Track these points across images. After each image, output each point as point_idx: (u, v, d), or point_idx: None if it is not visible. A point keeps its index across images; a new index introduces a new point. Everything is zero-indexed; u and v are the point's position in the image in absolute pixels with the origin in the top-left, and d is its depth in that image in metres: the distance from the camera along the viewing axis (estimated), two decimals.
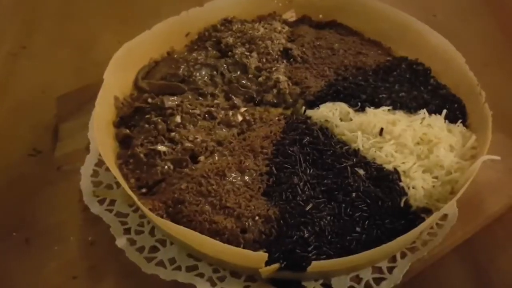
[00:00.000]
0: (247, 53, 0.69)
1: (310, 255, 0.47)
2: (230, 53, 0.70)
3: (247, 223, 0.49)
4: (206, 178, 0.53)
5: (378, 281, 0.50)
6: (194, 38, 0.75)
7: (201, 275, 0.50)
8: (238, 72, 0.67)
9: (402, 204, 0.51)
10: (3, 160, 0.67)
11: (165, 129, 0.59)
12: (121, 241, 0.52)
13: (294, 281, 0.49)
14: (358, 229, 0.49)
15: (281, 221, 0.49)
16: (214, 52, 0.71)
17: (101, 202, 0.57)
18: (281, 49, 0.70)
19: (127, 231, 0.54)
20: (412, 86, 0.64)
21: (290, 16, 0.78)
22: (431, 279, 0.54)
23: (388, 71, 0.66)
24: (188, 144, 0.57)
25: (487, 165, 0.57)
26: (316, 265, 0.45)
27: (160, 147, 0.57)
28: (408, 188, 0.52)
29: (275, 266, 0.46)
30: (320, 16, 0.78)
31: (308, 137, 0.57)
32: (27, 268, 0.54)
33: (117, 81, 0.64)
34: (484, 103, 0.58)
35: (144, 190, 0.55)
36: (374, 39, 0.74)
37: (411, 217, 0.51)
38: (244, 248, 0.48)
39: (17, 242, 0.56)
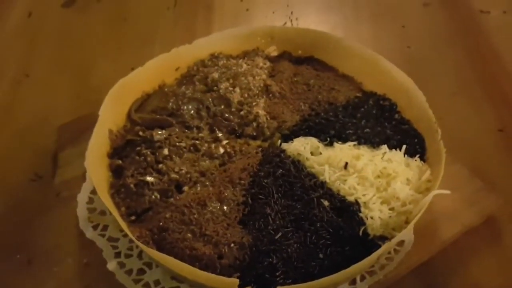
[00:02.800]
0: (231, 89, 0.75)
1: (278, 279, 0.53)
2: (215, 87, 0.76)
3: (223, 250, 0.56)
4: (188, 208, 0.60)
5: None
6: (183, 72, 0.81)
7: None
8: (222, 106, 0.74)
9: (360, 233, 0.57)
10: (6, 185, 0.74)
11: (153, 161, 0.65)
12: (112, 265, 0.59)
13: None
14: (321, 255, 0.55)
15: (253, 248, 0.56)
16: (201, 86, 0.77)
17: (95, 227, 0.64)
18: (262, 85, 0.76)
19: (117, 254, 0.61)
20: (377, 122, 0.70)
21: (273, 50, 0.85)
22: None
23: (356, 107, 0.72)
24: (174, 175, 0.64)
25: (444, 195, 0.64)
26: None
27: (149, 178, 0.63)
28: (367, 218, 0.58)
29: None
30: (300, 52, 0.84)
31: (281, 170, 0.63)
32: (29, 286, 0.60)
33: (111, 114, 0.71)
34: (439, 140, 0.64)
35: (133, 218, 0.61)
36: (347, 74, 0.81)
37: (369, 244, 0.57)
38: (220, 272, 0.55)
39: (20, 263, 0.62)
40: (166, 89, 0.78)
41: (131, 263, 0.60)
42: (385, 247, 0.55)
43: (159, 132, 0.68)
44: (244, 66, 0.79)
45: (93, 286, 0.59)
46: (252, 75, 0.77)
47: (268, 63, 0.82)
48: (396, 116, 0.72)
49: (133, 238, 0.55)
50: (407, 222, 0.59)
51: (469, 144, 0.79)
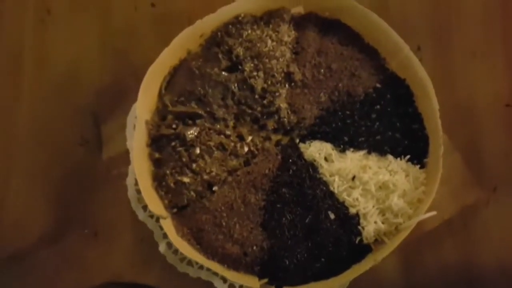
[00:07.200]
0: (255, 73, 0.78)
1: (289, 279, 0.71)
2: (240, 67, 0.79)
3: (248, 250, 0.73)
4: (219, 212, 0.74)
5: None
6: (207, 37, 0.82)
7: (216, 273, 0.76)
8: (247, 92, 0.78)
9: (356, 242, 0.72)
10: (58, 148, 0.84)
11: (188, 160, 0.75)
12: (162, 247, 0.76)
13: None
14: (323, 259, 0.72)
15: (271, 251, 0.72)
16: (225, 62, 0.80)
17: (144, 207, 0.78)
18: (285, 70, 0.79)
19: (165, 235, 0.77)
20: (389, 122, 0.76)
21: (298, 11, 0.82)
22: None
23: (373, 103, 0.77)
24: (206, 176, 0.75)
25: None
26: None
27: (185, 179, 0.75)
28: (363, 229, 0.72)
29: (264, 280, 0.72)
30: (327, 14, 0.82)
31: (297, 180, 0.74)
32: (96, 256, 0.78)
33: (145, 100, 0.77)
34: (440, 157, 0.72)
35: (175, 210, 0.75)
36: (373, 45, 0.81)
37: (363, 249, 0.73)
38: (245, 266, 0.73)
39: (88, 236, 0.79)
40: (193, 63, 0.80)
41: None
42: (377, 256, 0.71)
43: (191, 131, 0.76)
44: (269, 42, 0.79)
45: (150, 260, 0.78)
46: (276, 57, 0.78)
47: (293, 34, 0.81)
48: (410, 110, 0.77)
49: (171, 240, 0.71)
50: (396, 229, 0.73)
51: (472, 117, 0.85)
